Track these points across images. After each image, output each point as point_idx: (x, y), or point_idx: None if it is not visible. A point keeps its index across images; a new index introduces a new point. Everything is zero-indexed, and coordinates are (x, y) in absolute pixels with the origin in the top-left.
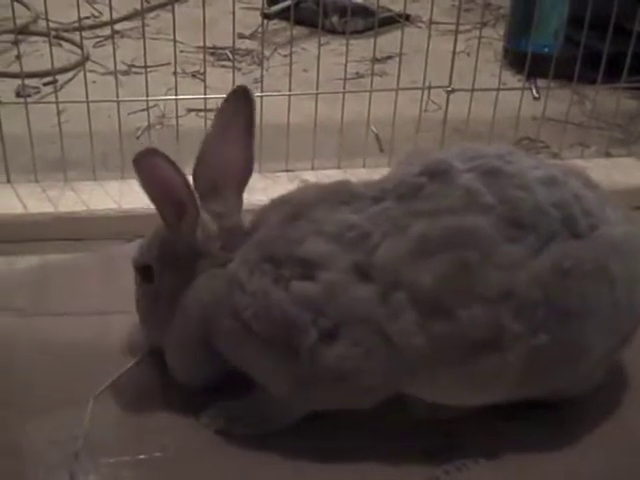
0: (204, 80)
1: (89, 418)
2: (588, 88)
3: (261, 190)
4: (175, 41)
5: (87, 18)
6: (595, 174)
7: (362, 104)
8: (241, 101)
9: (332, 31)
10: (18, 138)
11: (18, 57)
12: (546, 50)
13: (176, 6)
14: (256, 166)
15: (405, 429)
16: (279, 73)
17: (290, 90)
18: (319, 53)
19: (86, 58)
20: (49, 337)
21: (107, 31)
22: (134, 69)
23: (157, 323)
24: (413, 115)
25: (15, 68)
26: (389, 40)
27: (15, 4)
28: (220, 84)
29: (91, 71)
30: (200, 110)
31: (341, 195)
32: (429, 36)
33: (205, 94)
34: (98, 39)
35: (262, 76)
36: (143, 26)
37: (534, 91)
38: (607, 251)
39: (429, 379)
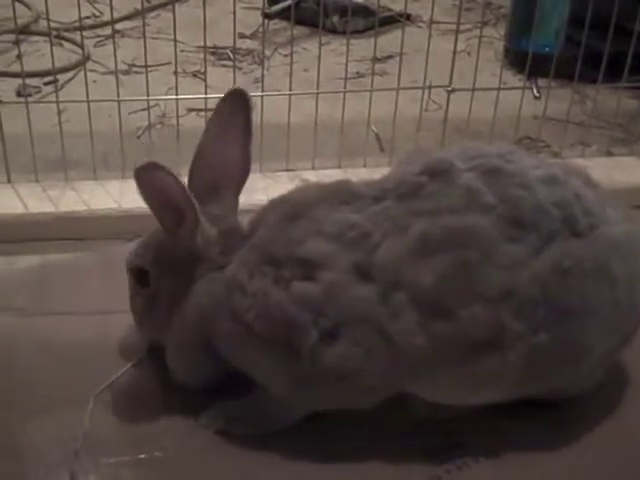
0: (205, 80)
1: (89, 418)
2: (589, 87)
3: (262, 190)
4: (176, 41)
5: (88, 18)
6: (596, 173)
7: (363, 104)
8: (238, 102)
9: (333, 31)
10: (19, 138)
11: (19, 57)
12: (547, 50)
13: (177, 6)
14: (257, 166)
15: (406, 428)
16: (280, 73)
17: (291, 90)
18: (320, 53)
19: (87, 58)
20: (49, 337)
21: (108, 31)
22: (135, 69)
23: (154, 325)
24: (414, 115)
25: (16, 68)
26: (390, 40)
27: (16, 4)
28: (221, 84)
29: (92, 71)
30: (201, 110)
31: (341, 195)
32: (430, 36)
33: (206, 94)
34: (99, 39)
35: (263, 76)
36: (144, 26)
37: (535, 90)
38: (607, 250)
39: (430, 379)
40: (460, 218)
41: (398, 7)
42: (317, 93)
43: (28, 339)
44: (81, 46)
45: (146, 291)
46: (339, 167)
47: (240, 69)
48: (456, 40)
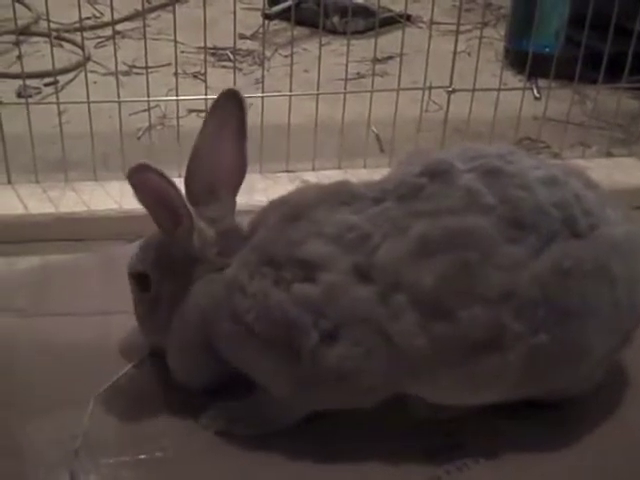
0: (205, 81)
1: (89, 418)
2: (589, 88)
3: (262, 190)
4: (176, 42)
5: (88, 19)
6: (596, 174)
7: (363, 104)
8: (232, 102)
9: (333, 31)
10: (19, 138)
11: (19, 58)
12: (547, 50)
13: (177, 7)
14: (257, 166)
15: (406, 429)
16: (280, 73)
17: (291, 90)
18: (320, 53)
19: (87, 59)
20: (50, 337)
21: (108, 32)
22: (135, 70)
23: (156, 328)
24: (414, 115)
25: (16, 69)
26: (390, 40)
27: (16, 5)
28: (221, 85)
29: (92, 72)
30: (201, 111)
31: (341, 196)
32: (430, 36)
33: (206, 95)
34: (99, 40)
35: (263, 76)
36: (144, 27)
37: (535, 91)
38: (607, 251)
39: (430, 379)
40: (460, 219)
41: (398, 8)
42: (317, 94)
43: (28, 340)
44: (81, 47)
45: (148, 295)
46: (339, 168)
47: (240, 70)
48: (456, 41)
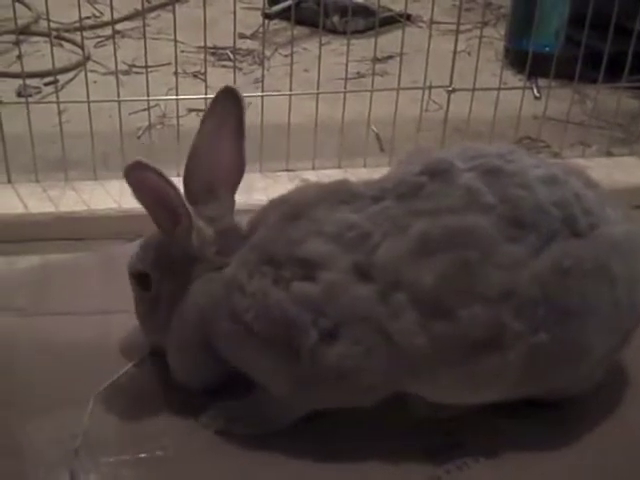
0: (205, 80)
1: (89, 417)
2: (589, 87)
3: (261, 190)
4: (176, 41)
5: (88, 18)
6: (596, 173)
7: (363, 104)
8: (230, 100)
9: (333, 31)
10: (19, 138)
11: (19, 57)
12: (547, 49)
13: (177, 6)
14: (257, 166)
15: (406, 428)
16: (280, 73)
17: (291, 90)
18: (320, 53)
19: (87, 58)
20: (50, 337)
21: (108, 31)
22: (135, 69)
23: (157, 328)
24: (414, 115)
25: (16, 68)
26: (390, 40)
27: (16, 4)
28: (221, 84)
29: (92, 71)
30: (201, 110)
31: (341, 194)
32: (430, 36)
33: (206, 94)
34: (99, 39)
35: (263, 76)
36: (144, 26)
37: (535, 90)
38: (607, 250)
39: (430, 378)
40: (460, 218)
41: (398, 7)
42: (317, 93)
43: (28, 339)
44: (81, 46)
45: (148, 295)
46: (339, 167)
47: (240, 69)
48: (456, 40)
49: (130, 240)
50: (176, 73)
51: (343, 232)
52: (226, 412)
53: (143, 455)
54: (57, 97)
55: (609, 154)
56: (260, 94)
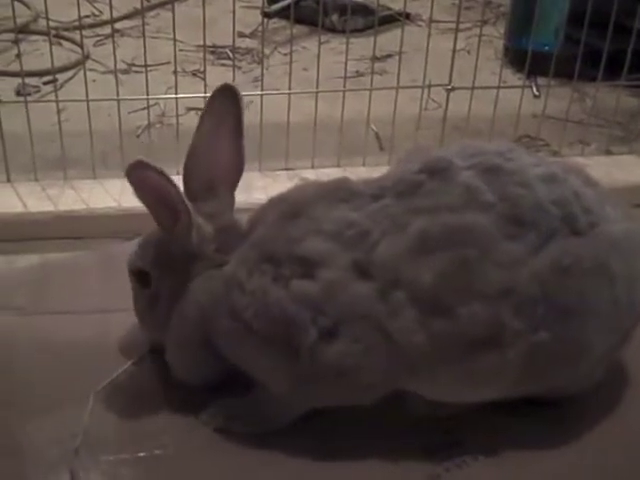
0: (204, 79)
1: (89, 416)
2: (588, 86)
3: (261, 188)
4: (175, 40)
5: (87, 17)
6: (595, 172)
7: (362, 102)
8: (228, 98)
9: (332, 30)
10: (18, 137)
11: (18, 56)
12: (546, 48)
13: (176, 5)
14: (256, 164)
15: (405, 427)
16: (279, 72)
17: (290, 89)
18: (319, 52)
19: (86, 57)
20: (49, 336)
21: (107, 30)
22: (134, 68)
23: (156, 325)
24: (413, 113)
25: (15, 67)
26: (389, 38)
27: (15, 3)
28: (220, 83)
29: (91, 70)
30: (200, 109)
31: (340, 193)
32: (429, 34)
33: (205, 93)
34: (98, 38)
35: (262, 75)
36: (143, 25)
37: (534, 89)
38: (607, 249)
39: (429, 376)
40: (459, 216)
41: (397, 6)
42: (316, 92)
43: (27, 338)
44: (80, 45)
45: (147, 292)
46: (338, 166)
47: (239, 68)
48: (455, 39)
49: (129, 239)
50: (175, 72)
51: (342, 230)
52: (226, 410)
53: (143, 453)
54: (56, 96)
55: (608, 152)
56: (259, 93)
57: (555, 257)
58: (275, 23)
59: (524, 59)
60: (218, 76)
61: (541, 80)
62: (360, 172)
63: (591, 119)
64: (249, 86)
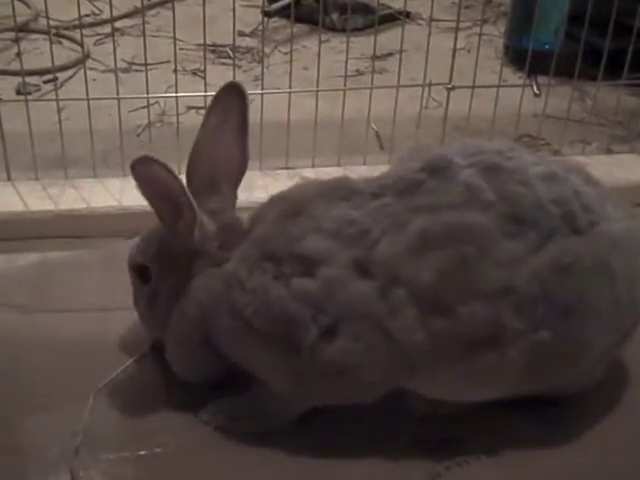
0: (204, 78)
1: (89, 414)
2: (589, 85)
3: (261, 187)
4: (175, 39)
5: (87, 16)
6: (596, 171)
7: (362, 101)
8: (233, 95)
9: (332, 28)
10: (18, 136)
11: (18, 55)
12: (547, 47)
13: (176, 4)
14: (256, 163)
15: (405, 425)
16: (279, 71)
17: (290, 87)
18: (319, 50)
19: (86, 56)
20: (50, 334)
21: (107, 29)
22: (134, 67)
23: (156, 321)
24: (413, 112)
25: (15, 66)
26: (389, 37)
27: (15, 2)
28: (220, 82)
29: (91, 69)
30: (200, 108)
31: (340, 191)
32: (429, 33)
33: (205, 91)
34: (98, 37)
35: (262, 73)
36: (143, 24)
37: (535, 88)
38: (607, 247)
39: (429, 375)
40: (459, 214)
41: (398, 5)
42: (317, 91)
43: (28, 336)
44: (81, 44)
45: (147, 287)
46: (339, 165)
47: (240, 67)
48: (456, 38)
49: (130, 238)
50: (175, 71)
51: (342, 228)
52: (226, 408)
53: (143, 452)
54: (56, 95)
55: (609, 152)
56: (260, 92)
57: (555, 256)
58: (275, 22)
59: (524, 58)
60: (218, 75)
61: (541, 79)
62: (360, 171)
63: (592, 118)
64: (249, 85)
